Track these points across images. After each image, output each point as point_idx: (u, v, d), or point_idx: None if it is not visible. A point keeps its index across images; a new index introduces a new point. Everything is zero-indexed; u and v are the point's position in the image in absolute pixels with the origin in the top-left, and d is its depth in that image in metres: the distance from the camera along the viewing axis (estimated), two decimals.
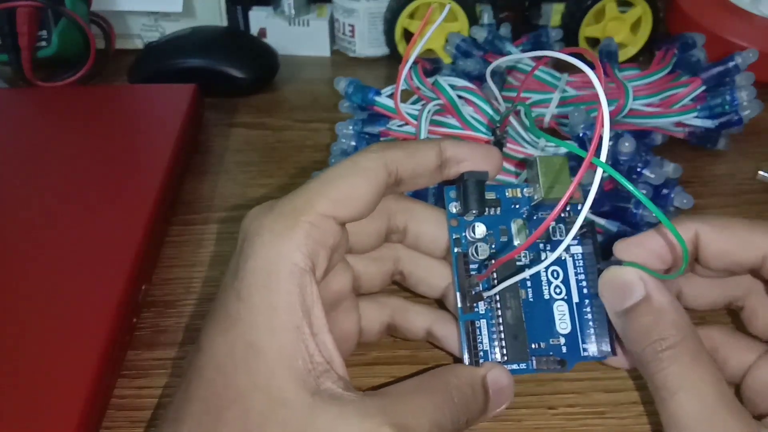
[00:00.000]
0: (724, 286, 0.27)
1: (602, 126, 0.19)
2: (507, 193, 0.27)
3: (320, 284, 0.24)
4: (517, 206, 0.27)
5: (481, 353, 0.25)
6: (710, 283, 0.27)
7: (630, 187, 0.20)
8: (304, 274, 0.21)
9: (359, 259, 0.27)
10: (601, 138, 0.19)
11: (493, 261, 0.26)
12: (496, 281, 0.26)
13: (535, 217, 0.27)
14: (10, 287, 0.29)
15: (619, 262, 0.24)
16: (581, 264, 0.26)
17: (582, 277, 0.26)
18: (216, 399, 0.20)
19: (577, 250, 0.27)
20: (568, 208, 0.27)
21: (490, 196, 0.26)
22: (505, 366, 0.25)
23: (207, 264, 0.34)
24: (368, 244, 0.26)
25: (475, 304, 0.25)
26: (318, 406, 0.20)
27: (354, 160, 0.24)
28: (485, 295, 0.25)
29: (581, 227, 0.26)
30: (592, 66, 0.22)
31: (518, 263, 0.26)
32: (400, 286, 0.30)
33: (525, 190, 0.27)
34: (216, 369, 0.21)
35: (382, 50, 0.52)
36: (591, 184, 0.27)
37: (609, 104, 0.38)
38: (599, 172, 0.20)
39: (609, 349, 0.26)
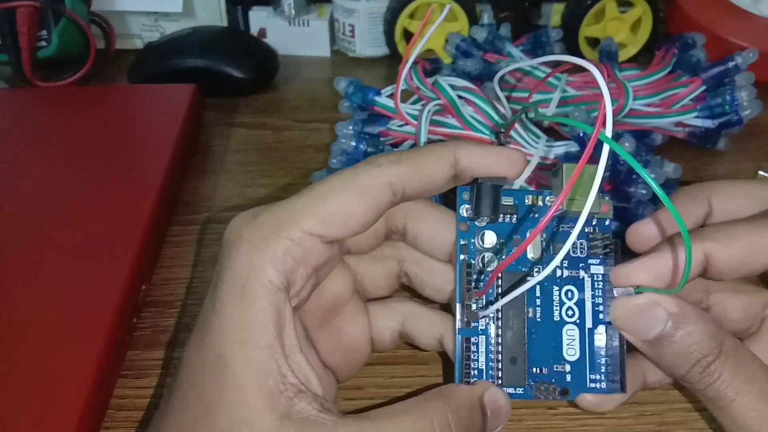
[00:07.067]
0: (748, 291, 0.26)
1: (605, 103, 0.19)
2: (526, 200, 0.25)
3: (313, 293, 0.23)
4: (536, 215, 0.25)
5: (476, 372, 0.24)
6: (732, 289, 0.26)
7: (644, 173, 0.19)
8: (278, 292, 0.20)
9: (360, 260, 0.26)
10: (605, 117, 0.19)
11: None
12: (500, 295, 0.24)
13: (555, 229, 0.25)
14: (11, 287, 0.29)
15: (630, 292, 0.23)
16: (601, 286, 0.24)
17: (600, 300, 0.24)
18: (189, 412, 0.20)
19: (598, 270, 0.24)
20: (594, 223, 0.25)
21: (507, 201, 0.25)
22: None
23: (207, 264, 0.34)
24: (366, 244, 0.25)
25: (475, 320, 0.24)
26: (284, 431, 0.19)
27: (354, 173, 0.22)
28: (481, 314, 0.24)
29: (606, 243, 0.24)
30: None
31: (529, 278, 0.24)
32: (411, 290, 0.28)
33: (547, 198, 0.25)
34: (189, 381, 0.20)
35: (382, 50, 0.52)
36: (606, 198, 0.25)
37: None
38: (606, 150, 0.19)
39: (618, 385, 0.24)
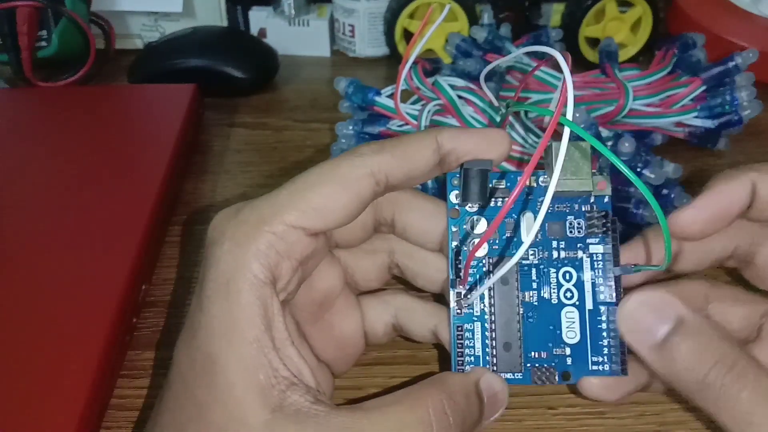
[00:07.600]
0: (748, 300, 0.25)
1: (567, 86, 0.19)
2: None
3: (304, 287, 0.23)
4: (530, 197, 0.24)
5: (472, 359, 0.23)
6: (732, 298, 0.25)
7: (608, 153, 0.19)
8: (263, 287, 0.20)
9: (350, 253, 0.25)
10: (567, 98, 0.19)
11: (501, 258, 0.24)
12: (492, 276, 0.23)
13: (549, 211, 0.24)
14: (11, 287, 0.29)
15: (630, 270, 0.23)
16: (600, 266, 0.24)
17: (601, 281, 0.24)
18: (181, 412, 0.20)
19: (597, 249, 0.24)
20: (592, 200, 0.24)
21: (499, 184, 0.24)
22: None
23: None
24: (354, 237, 0.25)
25: (468, 306, 0.24)
26: (276, 424, 0.19)
27: (336, 164, 0.21)
28: (464, 303, 0.23)
29: (604, 221, 0.24)
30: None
31: (525, 262, 0.24)
32: (403, 282, 0.28)
33: (540, 179, 0.24)
34: (181, 381, 0.20)
35: (382, 50, 0.52)
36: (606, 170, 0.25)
37: (609, 104, 0.38)
38: (567, 132, 0.19)
39: (619, 367, 0.23)
